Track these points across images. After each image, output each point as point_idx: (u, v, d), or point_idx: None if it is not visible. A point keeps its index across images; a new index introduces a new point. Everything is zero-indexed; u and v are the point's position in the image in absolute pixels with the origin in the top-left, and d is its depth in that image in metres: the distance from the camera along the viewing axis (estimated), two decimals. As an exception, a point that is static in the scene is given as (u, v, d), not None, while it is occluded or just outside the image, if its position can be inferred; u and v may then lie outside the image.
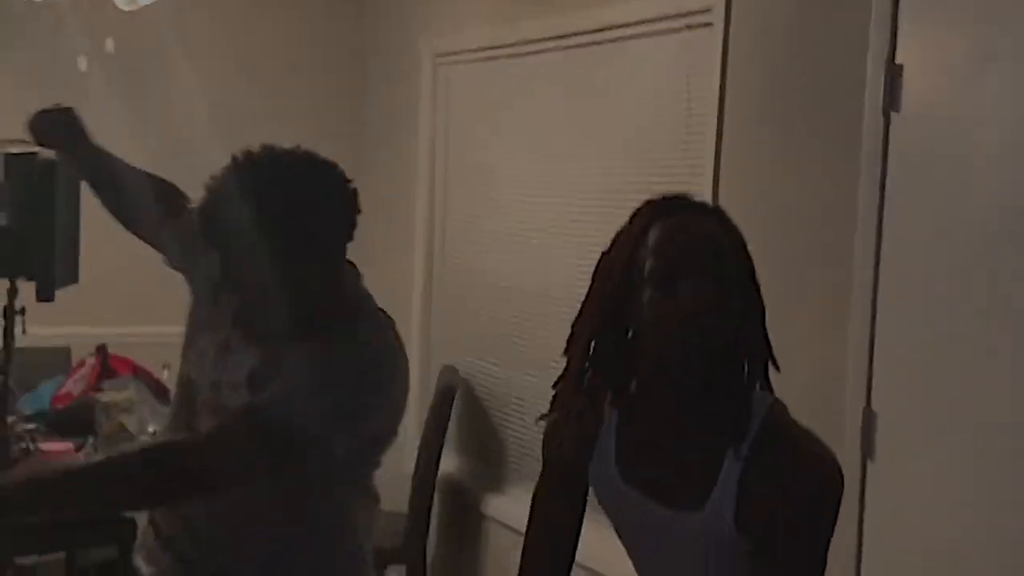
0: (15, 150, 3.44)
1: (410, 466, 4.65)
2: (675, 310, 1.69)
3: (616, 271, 1.78)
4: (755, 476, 1.72)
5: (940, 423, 2.79)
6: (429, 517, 4.64)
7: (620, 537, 1.97)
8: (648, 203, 1.81)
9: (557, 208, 4.31)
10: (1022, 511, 2.63)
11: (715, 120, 3.49)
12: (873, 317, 2.95)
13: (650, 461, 1.83)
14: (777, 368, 1.81)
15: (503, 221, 4.64)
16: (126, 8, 3.91)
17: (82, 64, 4.18)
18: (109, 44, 4.01)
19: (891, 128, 2.90)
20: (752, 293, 1.78)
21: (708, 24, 3.55)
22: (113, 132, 4.70)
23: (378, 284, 5.70)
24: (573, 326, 1.86)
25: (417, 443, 4.69)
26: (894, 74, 2.90)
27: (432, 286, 5.13)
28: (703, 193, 3.50)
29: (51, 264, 3.45)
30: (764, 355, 1.79)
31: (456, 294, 4.97)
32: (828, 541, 1.74)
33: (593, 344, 1.83)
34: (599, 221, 4.05)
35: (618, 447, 1.86)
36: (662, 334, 1.72)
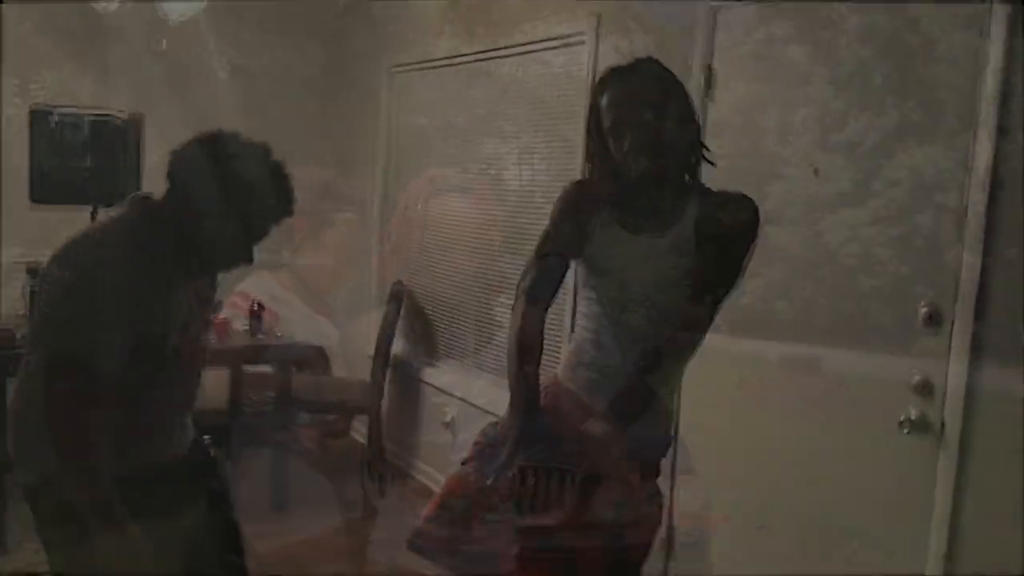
0: (97, 115, 3.34)
1: (371, 349, 4.62)
2: (627, 150, 1.81)
3: (592, 132, 1.89)
4: (707, 211, 1.85)
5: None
6: (384, 382, 4.59)
7: (605, 271, 1.91)
8: (599, 78, 1.90)
9: (474, 167, 4.26)
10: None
11: (585, 107, 3.47)
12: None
13: (635, 216, 1.88)
14: (708, 155, 1.92)
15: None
16: (174, 21, 3.78)
17: (142, 61, 4.04)
18: (163, 43, 3.88)
19: (708, 109, 2.93)
20: (686, 117, 1.86)
21: (582, 43, 3.54)
22: (163, 94, 4.59)
23: (353, 227, 5.60)
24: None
25: (376, 334, 4.65)
26: (710, 73, 2.95)
27: (387, 227, 5.06)
28: (575, 160, 3.51)
29: (124, 195, 3.34)
30: (699, 155, 1.90)
31: (403, 232, 4.90)
32: (749, 253, 1.84)
33: (590, 171, 1.95)
34: (502, 176, 4.04)
35: (610, 219, 1.89)
36: (628, 165, 1.82)
